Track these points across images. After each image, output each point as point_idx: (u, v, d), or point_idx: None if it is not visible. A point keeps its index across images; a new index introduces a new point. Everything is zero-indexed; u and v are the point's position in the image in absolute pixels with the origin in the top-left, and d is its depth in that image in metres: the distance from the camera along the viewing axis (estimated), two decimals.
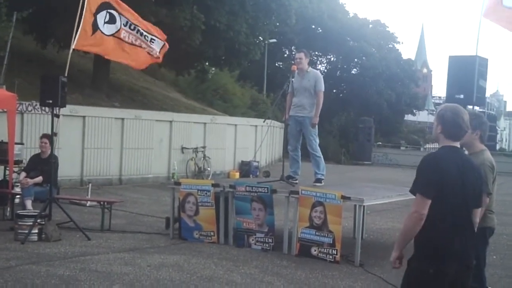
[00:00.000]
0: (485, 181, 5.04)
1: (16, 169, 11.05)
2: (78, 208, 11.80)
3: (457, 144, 4.04)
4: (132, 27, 10.66)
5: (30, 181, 9.90)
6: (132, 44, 10.70)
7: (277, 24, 27.65)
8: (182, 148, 19.43)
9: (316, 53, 49.85)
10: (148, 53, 10.96)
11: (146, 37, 10.85)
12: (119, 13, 10.49)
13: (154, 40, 10.95)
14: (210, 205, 9.12)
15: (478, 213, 4.15)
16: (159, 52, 11.08)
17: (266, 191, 8.71)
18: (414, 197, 3.91)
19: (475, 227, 4.08)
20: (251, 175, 20.71)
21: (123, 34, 10.56)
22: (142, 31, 10.80)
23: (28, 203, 9.82)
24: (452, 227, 3.83)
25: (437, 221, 3.80)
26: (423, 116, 78.70)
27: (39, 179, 9.97)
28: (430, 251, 3.83)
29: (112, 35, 10.49)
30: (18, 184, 10.64)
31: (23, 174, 10.14)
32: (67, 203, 11.39)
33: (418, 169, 3.92)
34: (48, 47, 20.61)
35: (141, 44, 10.82)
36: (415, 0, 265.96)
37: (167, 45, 11.22)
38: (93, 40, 10.31)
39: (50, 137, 10.17)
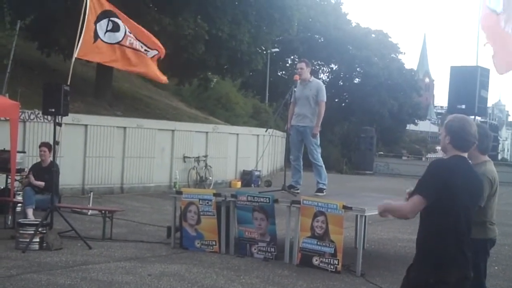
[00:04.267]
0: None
1: (18, 178, 11.06)
2: (80, 217, 11.80)
3: (465, 155, 4.07)
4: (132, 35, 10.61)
5: (32, 178, 10.03)
6: (139, 50, 10.62)
7: (280, 33, 27.71)
8: (184, 157, 19.43)
9: (319, 62, 49.96)
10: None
11: (141, 46, 10.78)
12: (122, 21, 10.45)
13: (147, 51, 10.88)
14: (211, 215, 9.11)
15: None
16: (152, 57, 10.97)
17: (268, 201, 8.70)
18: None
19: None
20: (252, 185, 20.69)
21: (129, 41, 10.48)
22: (138, 41, 10.73)
23: (30, 212, 9.83)
24: (456, 237, 3.83)
25: (442, 231, 3.81)
26: (425, 126, 78.68)
27: (41, 183, 10.01)
28: (432, 260, 3.82)
29: (118, 43, 10.43)
30: (20, 192, 10.65)
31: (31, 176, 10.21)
32: (68, 212, 11.39)
33: (425, 172, 3.95)
34: (51, 56, 20.67)
35: (144, 51, 10.72)
36: (417, 10, 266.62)
37: (160, 55, 11.11)
38: (95, 49, 10.30)
39: (49, 145, 10.20)
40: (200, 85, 27.62)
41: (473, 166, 5.31)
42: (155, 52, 10.90)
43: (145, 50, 10.78)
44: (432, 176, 3.89)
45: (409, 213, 3.85)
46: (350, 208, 8.19)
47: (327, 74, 53.32)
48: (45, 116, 12.98)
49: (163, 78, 11.57)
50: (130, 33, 10.48)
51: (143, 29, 10.98)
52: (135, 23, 10.79)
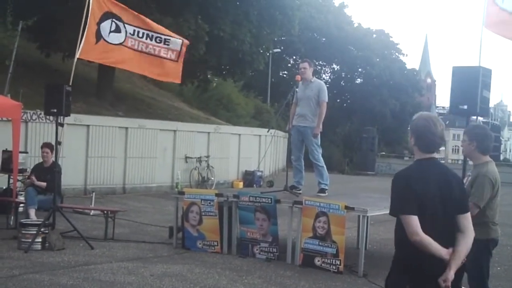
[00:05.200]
0: (479, 192, 5.01)
1: (20, 178, 11.06)
2: (82, 217, 11.81)
3: (434, 155, 3.85)
4: (140, 35, 10.53)
5: (34, 179, 10.05)
6: (142, 52, 10.55)
7: (281, 33, 27.72)
8: (186, 158, 19.45)
9: (320, 62, 49.99)
10: (167, 58, 10.74)
11: (159, 39, 10.64)
12: (124, 23, 10.43)
13: (169, 40, 10.74)
14: (213, 215, 9.11)
15: (468, 218, 3.81)
16: (180, 50, 10.84)
17: (270, 201, 8.70)
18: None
19: (469, 233, 3.79)
20: (254, 185, 20.71)
21: (130, 43, 10.45)
22: (152, 34, 10.60)
23: (32, 212, 9.84)
24: (434, 240, 3.63)
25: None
26: None
27: (43, 184, 10.04)
28: (409, 266, 3.70)
29: (121, 43, 10.41)
30: (22, 192, 10.66)
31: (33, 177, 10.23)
32: (70, 212, 11.40)
33: (392, 190, 3.76)
34: (53, 56, 20.68)
35: (155, 51, 10.62)
36: (418, 11, 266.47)
37: (186, 41, 11.03)
38: (97, 50, 10.28)
39: (51, 146, 10.22)
40: (199, 86, 27.63)
41: (475, 166, 5.32)
42: (180, 41, 10.81)
43: (166, 40, 10.61)
44: (400, 190, 3.71)
45: (413, 236, 3.59)
46: (352, 209, 8.18)
47: (329, 74, 53.39)
48: (47, 117, 13.01)
49: (174, 76, 11.30)
50: (132, 35, 10.44)
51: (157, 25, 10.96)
52: (143, 18, 10.75)
